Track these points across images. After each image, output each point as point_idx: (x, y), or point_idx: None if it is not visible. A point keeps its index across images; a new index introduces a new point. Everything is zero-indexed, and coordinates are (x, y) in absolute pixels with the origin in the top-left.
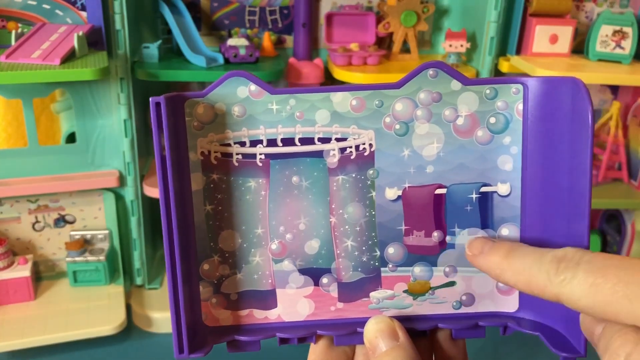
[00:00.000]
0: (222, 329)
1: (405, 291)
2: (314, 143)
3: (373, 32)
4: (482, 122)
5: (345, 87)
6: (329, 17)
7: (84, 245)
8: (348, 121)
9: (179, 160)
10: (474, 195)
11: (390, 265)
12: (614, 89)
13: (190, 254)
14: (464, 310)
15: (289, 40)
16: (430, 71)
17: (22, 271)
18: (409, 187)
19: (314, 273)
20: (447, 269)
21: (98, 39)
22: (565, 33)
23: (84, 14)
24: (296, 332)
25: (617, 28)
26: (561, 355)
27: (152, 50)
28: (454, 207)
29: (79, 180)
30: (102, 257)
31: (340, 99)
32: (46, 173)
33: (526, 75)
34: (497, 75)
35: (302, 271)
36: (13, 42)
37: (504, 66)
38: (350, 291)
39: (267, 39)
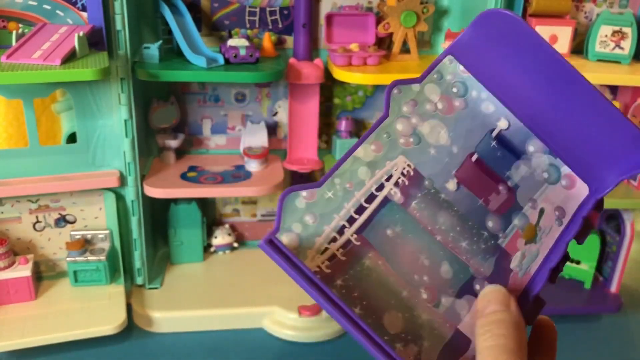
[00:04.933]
0: None
1: (526, 243)
2: (376, 196)
3: (373, 32)
4: (451, 95)
5: (357, 143)
6: (329, 18)
7: (85, 245)
8: (382, 161)
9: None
10: (493, 143)
11: (501, 234)
12: (614, 89)
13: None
14: (565, 220)
15: (289, 40)
16: (395, 90)
17: (22, 271)
18: (456, 171)
19: (467, 289)
20: (530, 204)
21: (99, 40)
22: (564, 33)
23: (84, 14)
24: None
25: (617, 28)
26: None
27: (153, 50)
28: (490, 160)
29: (80, 180)
30: (102, 257)
31: (362, 153)
32: (47, 173)
33: None
34: None
35: (459, 295)
36: (14, 43)
37: None
38: (499, 276)
39: (267, 40)
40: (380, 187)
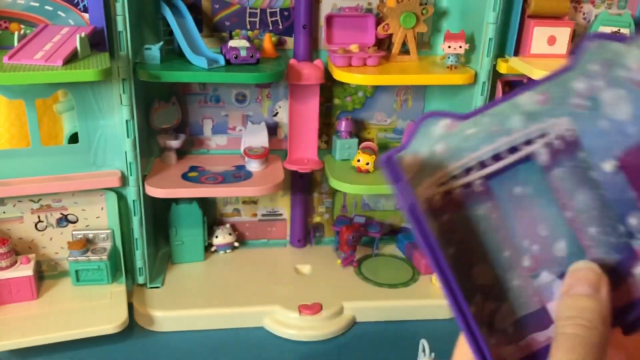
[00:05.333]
0: None
1: None
2: (520, 149)
3: (373, 33)
4: None
5: (524, 88)
6: (329, 19)
7: (86, 244)
8: (542, 116)
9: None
10: None
11: (639, 235)
12: None
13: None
14: None
15: (290, 41)
16: (592, 44)
17: (24, 270)
18: (621, 153)
19: None
20: None
21: (100, 41)
22: (563, 34)
23: (86, 15)
24: None
25: (615, 29)
26: None
27: (154, 51)
28: None
29: (81, 180)
30: (104, 257)
31: (525, 100)
32: (49, 173)
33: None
34: (496, 76)
35: (562, 276)
36: (16, 44)
37: (502, 67)
38: (613, 276)
39: (267, 41)
40: (529, 142)
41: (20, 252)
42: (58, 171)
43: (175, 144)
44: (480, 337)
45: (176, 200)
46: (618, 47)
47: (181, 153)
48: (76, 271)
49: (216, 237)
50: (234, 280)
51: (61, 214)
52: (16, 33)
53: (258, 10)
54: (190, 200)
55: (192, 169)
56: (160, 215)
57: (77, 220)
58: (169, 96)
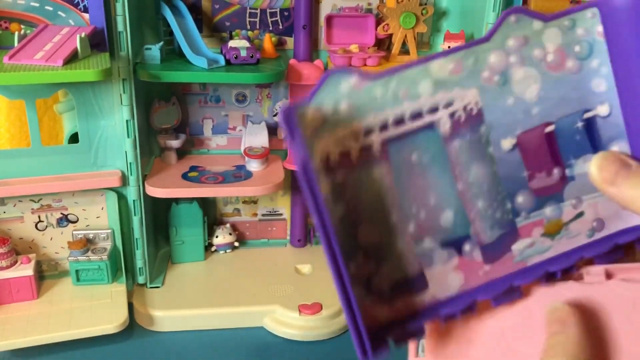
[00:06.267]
0: (383, 326)
1: (542, 235)
2: (423, 116)
3: (372, 33)
4: (569, 53)
5: (439, 54)
6: (329, 19)
7: (87, 244)
8: (450, 85)
9: None
10: (579, 124)
11: (523, 214)
12: None
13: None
14: (597, 236)
15: (290, 41)
16: (512, 17)
17: (25, 270)
18: (521, 133)
19: (455, 243)
20: (573, 201)
21: (100, 41)
22: None
23: (86, 15)
24: (455, 304)
25: None
26: None
27: (154, 51)
28: (564, 140)
29: (82, 180)
30: (104, 256)
31: (438, 67)
32: (49, 173)
33: None
34: None
35: (444, 245)
36: (16, 44)
37: None
38: (493, 251)
39: (267, 41)
40: (433, 110)
41: (20, 252)
42: (58, 171)
43: (175, 144)
44: (353, 295)
45: (176, 200)
46: (538, 25)
47: (181, 153)
48: (76, 271)
49: (216, 236)
50: (234, 280)
51: (61, 213)
52: (16, 33)
53: (258, 11)
54: (190, 200)
55: (192, 168)
56: (160, 215)
57: (78, 220)
58: (169, 96)
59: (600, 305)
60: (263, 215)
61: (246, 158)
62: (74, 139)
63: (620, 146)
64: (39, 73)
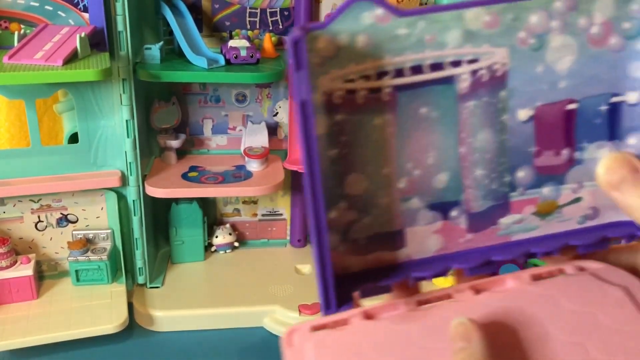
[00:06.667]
0: (352, 276)
1: (533, 213)
2: (444, 68)
3: None
4: (616, 28)
5: (477, 2)
6: None
7: (87, 244)
8: (481, 40)
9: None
10: (604, 107)
11: (520, 189)
12: None
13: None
14: (588, 224)
15: None
16: None
17: (24, 270)
18: (541, 105)
19: (442, 207)
20: (574, 186)
21: (100, 40)
22: None
23: (86, 15)
24: (427, 268)
25: None
26: None
27: (154, 51)
28: (583, 121)
29: (82, 180)
30: (104, 257)
31: (473, 16)
32: (49, 173)
33: None
34: None
35: (431, 207)
36: (16, 44)
37: None
38: (479, 220)
39: (267, 41)
40: (456, 64)
41: (20, 252)
42: (58, 171)
43: (175, 143)
44: (327, 240)
45: (176, 200)
46: None
47: (181, 153)
48: (76, 271)
49: (216, 237)
50: (234, 280)
51: (61, 213)
52: (16, 33)
53: (258, 10)
54: (190, 200)
55: (192, 168)
56: (160, 215)
57: (77, 220)
58: (169, 96)
59: (521, 309)
60: (263, 215)
61: (246, 158)
62: (73, 139)
63: (638, 139)
64: (38, 73)
